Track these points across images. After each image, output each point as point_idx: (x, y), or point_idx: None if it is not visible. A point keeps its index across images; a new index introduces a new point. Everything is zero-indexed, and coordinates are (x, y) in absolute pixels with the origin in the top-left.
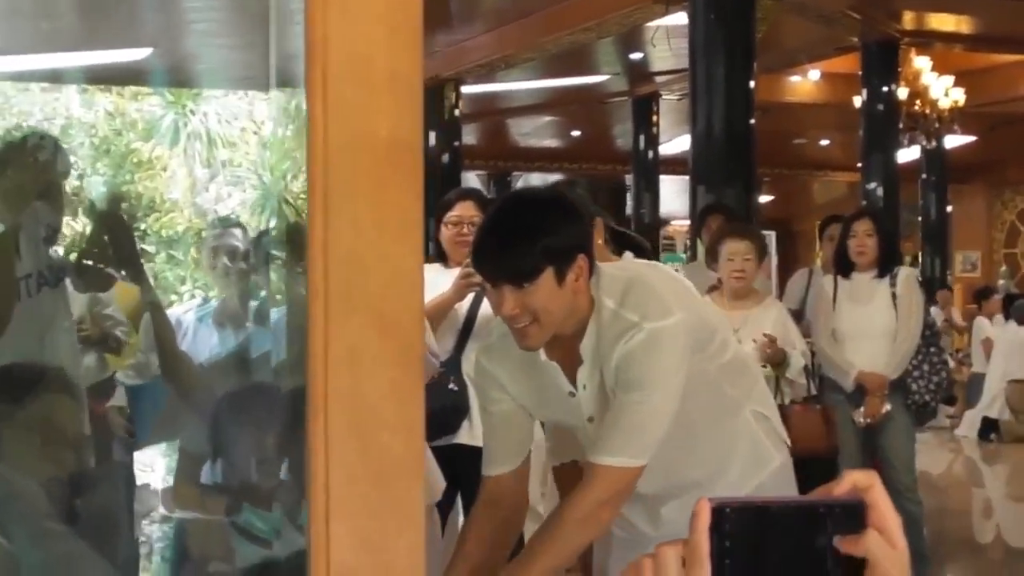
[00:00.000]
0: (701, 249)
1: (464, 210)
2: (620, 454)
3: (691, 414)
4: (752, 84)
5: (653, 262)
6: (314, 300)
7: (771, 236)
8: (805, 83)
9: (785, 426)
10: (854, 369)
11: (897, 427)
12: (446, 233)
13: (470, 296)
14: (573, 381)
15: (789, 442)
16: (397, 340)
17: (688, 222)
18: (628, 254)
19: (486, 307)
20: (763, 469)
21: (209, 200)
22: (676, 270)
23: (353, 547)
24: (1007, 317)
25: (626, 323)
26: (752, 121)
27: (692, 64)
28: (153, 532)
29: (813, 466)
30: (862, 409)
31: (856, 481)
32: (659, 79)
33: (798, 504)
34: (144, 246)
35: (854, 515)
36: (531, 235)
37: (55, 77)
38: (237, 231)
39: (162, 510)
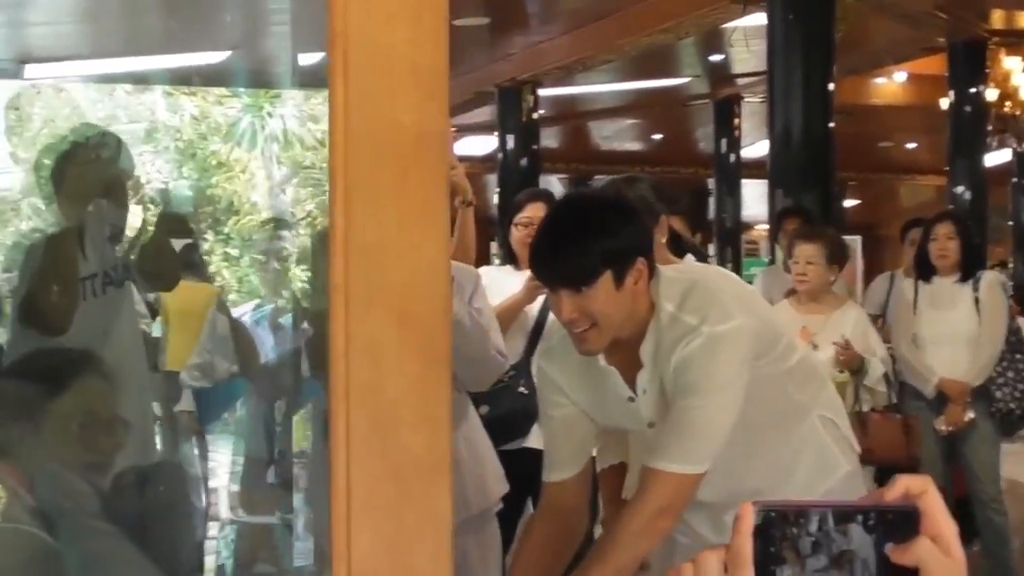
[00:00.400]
0: (780, 253)
1: (534, 211)
2: (678, 460)
3: (755, 420)
4: (831, 86)
5: (719, 267)
6: (335, 294)
7: (856, 241)
8: (890, 85)
9: (864, 435)
10: (935, 376)
11: (980, 435)
12: (516, 235)
13: (540, 298)
14: (633, 386)
15: (859, 449)
16: (419, 335)
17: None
18: (689, 256)
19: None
20: (830, 476)
21: (286, 203)
22: (757, 275)
23: (374, 549)
24: None
25: (685, 327)
26: (831, 124)
27: (770, 65)
28: (219, 535)
29: (892, 476)
30: (943, 417)
31: (909, 487)
32: (740, 81)
33: (847, 509)
34: (228, 249)
35: (907, 522)
36: (588, 237)
37: (140, 79)
38: (286, 233)
39: (227, 513)
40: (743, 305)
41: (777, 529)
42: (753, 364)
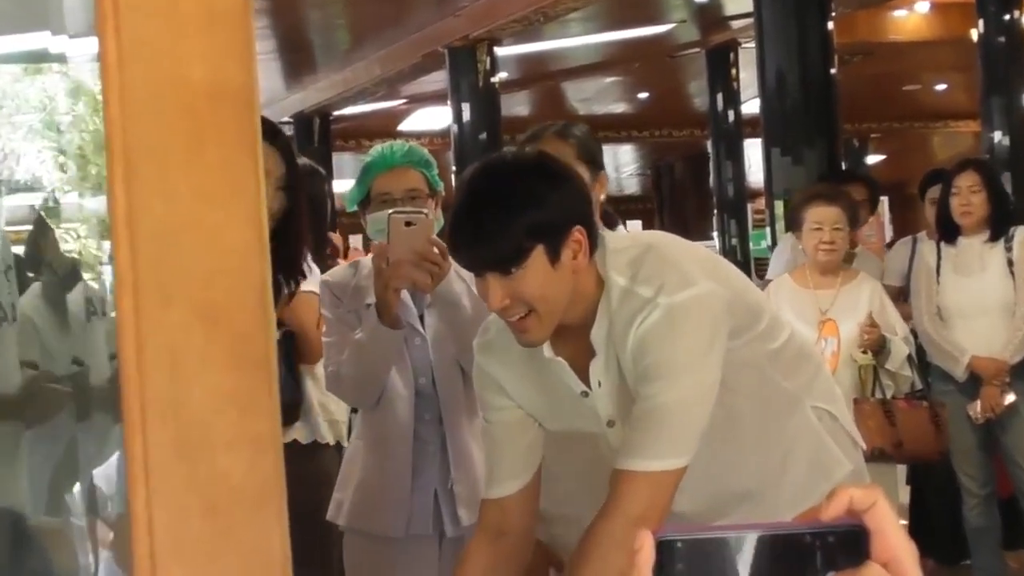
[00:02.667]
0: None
1: None
2: (651, 457)
3: (737, 412)
4: (830, 24)
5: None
6: (121, 289)
7: (883, 202)
8: (913, 17)
9: (891, 426)
10: (965, 354)
11: (1022, 420)
12: None
13: None
14: (586, 379)
15: (864, 445)
16: (230, 335)
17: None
18: (621, 229)
19: None
20: (829, 477)
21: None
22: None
23: None
24: None
25: (640, 301)
26: (833, 69)
27: (756, 5)
28: None
29: (926, 473)
30: (978, 402)
31: (854, 499)
32: (735, 24)
33: (777, 534)
34: None
35: (853, 544)
36: (511, 210)
37: None
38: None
39: None
40: (708, 271)
41: (686, 562)
42: (730, 343)
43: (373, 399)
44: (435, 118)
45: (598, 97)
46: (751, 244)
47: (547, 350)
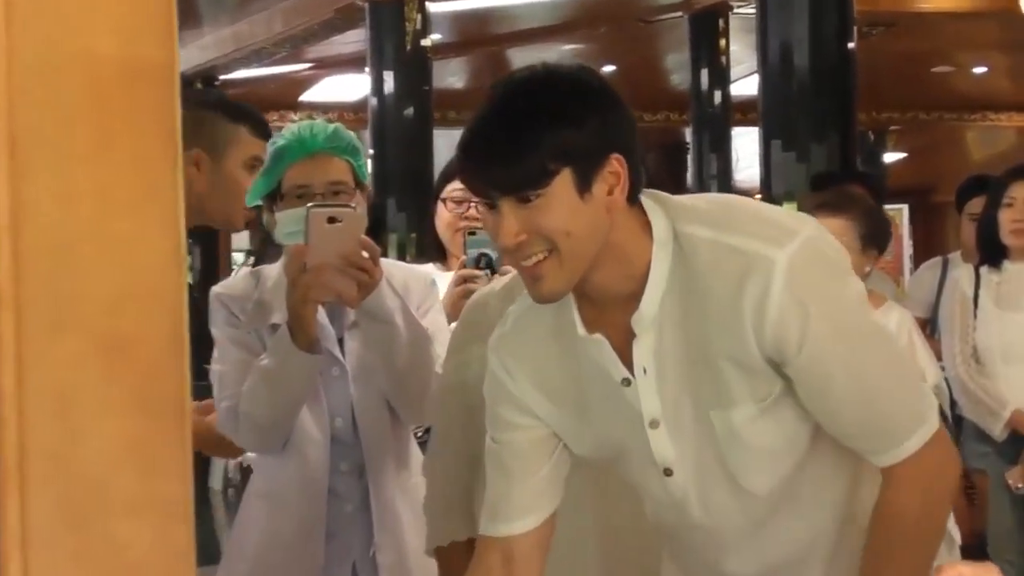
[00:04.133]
0: None
1: None
2: (900, 440)
3: (809, 464)
4: None
5: None
6: (1, 311)
7: (902, 211)
8: None
9: None
10: (1007, 407)
11: None
12: (445, 217)
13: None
14: (629, 365)
15: (958, 537)
16: (138, 373)
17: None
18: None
19: None
20: None
21: None
22: None
23: None
24: None
25: (742, 257)
26: (851, 44)
27: None
28: None
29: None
30: (1019, 468)
31: None
32: None
33: None
34: None
35: None
36: (537, 125)
37: None
38: None
39: None
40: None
41: None
42: None
43: (279, 443)
44: (348, 87)
45: None
46: None
47: (580, 327)
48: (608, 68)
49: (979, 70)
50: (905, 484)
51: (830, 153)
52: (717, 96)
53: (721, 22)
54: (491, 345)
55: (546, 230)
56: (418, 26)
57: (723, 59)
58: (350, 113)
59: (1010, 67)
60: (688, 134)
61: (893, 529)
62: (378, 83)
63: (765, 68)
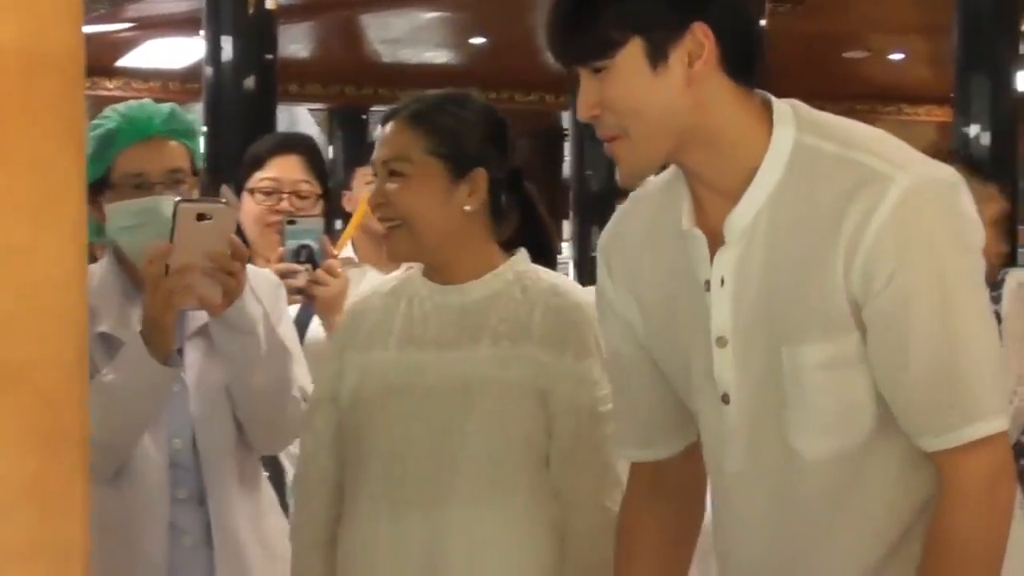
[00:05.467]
0: None
1: (283, 170)
2: (962, 423)
3: (864, 483)
4: None
5: None
6: None
7: None
8: None
9: None
10: None
11: None
12: (252, 209)
13: (291, 311)
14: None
15: None
16: (34, 404)
17: None
18: (522, 252)
19: (316, 332)
20: None
21: None
22: None
23: None
24: None
25: (861, 170)
26: (763, 22)
27: None
28: None
29: None
30: None
31: None
32: None
33: None
34: None
35: None
36: None
37: None
38: None
39: None
40: None
41: None
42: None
43: (112, 470)
44: (175, 53)
45: (411, 39)
46: None
47: (685, 218)
48: (478, 40)
49: (896, 56)
50: (957, 492)
51: None
52: None
53: None
54: (601, 246)
55: (615, 105)
56: None
57: None
58: (176, 83)
59: (930, 54)
60: (566, 119)
61: (953, 550)
62: (214, 49)
63: None
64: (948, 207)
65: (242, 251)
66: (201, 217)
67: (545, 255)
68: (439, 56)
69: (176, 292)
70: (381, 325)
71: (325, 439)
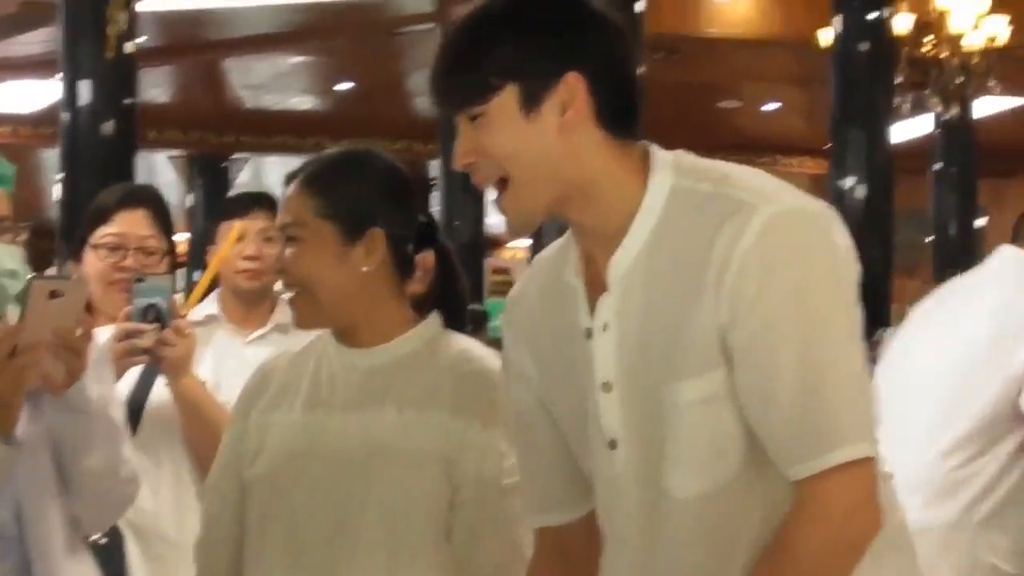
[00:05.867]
0: None
1: (129, 225)
2: (825, 450)
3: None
4: (640, 4)
5: None
6: None
7: None
8: (740, 4)
9: None
10: None
11: None
12: (95, 265)
13: (133, 373)
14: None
15: None
16: None
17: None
18: (435, 316)
19: (161, 394)
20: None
21: None
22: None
23: None
24: None
25: (730, 203)
26: (640, 70)
27: None
28: None
29: None
30: None
31: None
32: None
33: None
34: None
35: None
36: (483, 35)
37: None
38: None
39: None
40: None
41: None
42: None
43: None
44: (28, 96)
45: (275, 84)
46: (489, 318)
47: (570, 271)
48: (343, 85)
49: (770, 107)
50: (814, 509)
51: None
52: None
53: None
54: (505, 305)
55: (490, 150)
56: (123, 27)
57: None
58: (28, 127)
59: (805, 105)
60: (434, 167)
61: (784, 567)
62: (71, 93)
63: None
64: (815, 235)
65: (88, 327)
66: (53, 294)
67: (457, 312)
68: (304, 102)
69: (26, 370)
70: (288, 387)
71: (229, 501)
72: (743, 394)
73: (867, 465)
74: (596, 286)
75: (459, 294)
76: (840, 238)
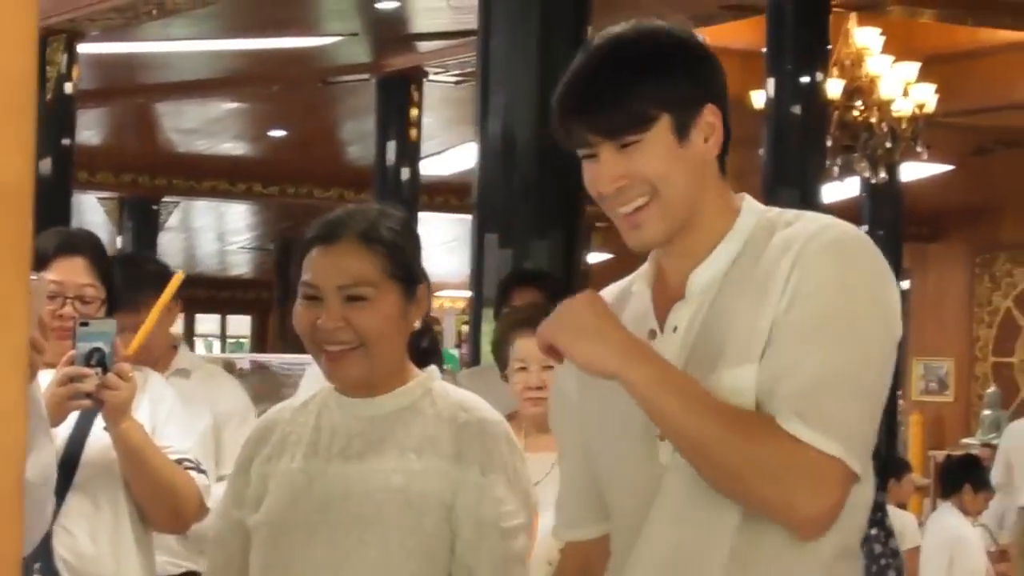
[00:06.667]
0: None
1: (67, 273)
2: (809, 421)
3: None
4: None
5: None
6: None
7: None
8: None
9: None
10: None
11: None
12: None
13: (72, 419)
14: (662, 324)
15: None
16: None
17: (468, 294)
18: (433, 368)
19: (100, 438)
20: None
21: None
22: (449, 379)
23: None
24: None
25: (802, 228)
26: None
27: (483, 22)
28: None
29: None
30: None
31: None
32: (424, 46)
33: None
34: None
35: None
36: (638, 71)
37: None
38: None
39: None
40: None
41: None
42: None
43: None
44: None
45: (209, 129)
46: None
47: (640, 283)
48: (276, 132)
49: None
50: (782, 444)
51: (553, 250)
52: (405, 173)
53: (414, 90)
54: None
55: (647, 173)
56: (63, 69)
57: (413, 132)
58: None
59: (734, 165)
60: None
61: (722, 414)
62: None
63: (484, 147)
64: (875, 258)
65: (46, 328)
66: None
67: (434, 357)
68: (236, 148)
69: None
70: (290, 437)
71: (234, 550)
72: (768, 367)
73: (839, 467)
74: (665, 296)
75: (436, 344)
76: (890, 273)
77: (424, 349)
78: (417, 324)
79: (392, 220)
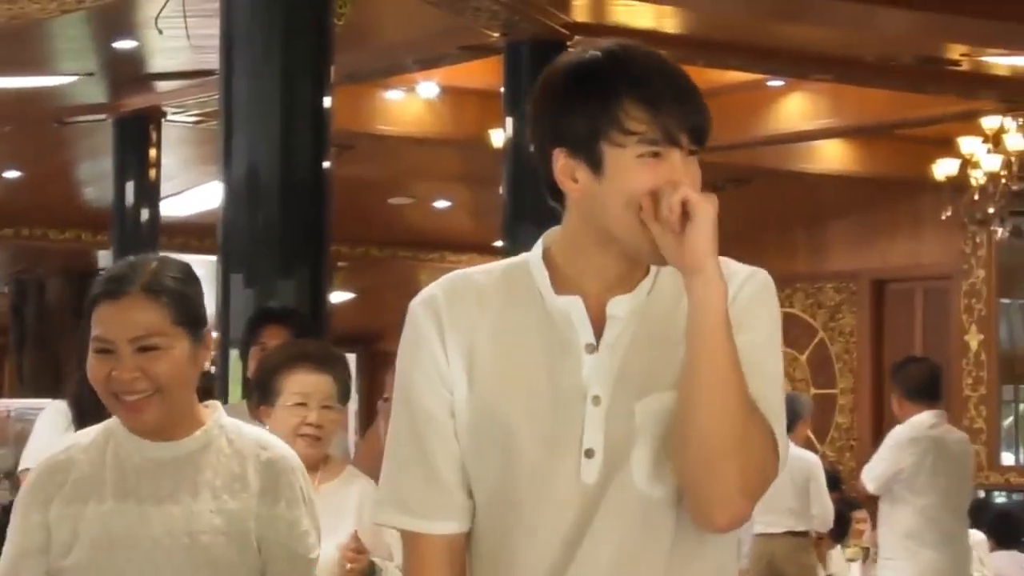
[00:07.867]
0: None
1: None
2: (777, 431)
3: None
4: (327, 101)
5: None
6: None
7: (350, 360)
8: (413, 102)
9: None
10: None
11: None
12: None
13: None
14: (597, 337)
15: None
16: None
17: (215, 335)
18: (217, 404)
19: None
20: None
21: None
22: None
23: None
24: None
25: (732, 266)
26: (327, 164)
27: (225, 63)
28: None
29: None
30: None
31: None
32: (164, 86)
33: None
34: None
35: None
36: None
37: None
38: None
39: None
40: None
41: None
42: None
43: None
44: None
45: None
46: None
47: (548, 290)
48: (12, 174)
49: (440, 204)
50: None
51: (300, 289)
52: (144, 214)
53: (152, 130)
54: (422, 302)
55: (698, 182)
56: None
57: (152, 172)
58: None
59: (474, 203)
60: (105, 258)
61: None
62: None
63: (228, 189)
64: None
65: None
66: None
67: (209, 396)
68: None
69: None
70: (91, 478)
71: None
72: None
73: (775, 473)
74: (594, 307)
75: (209, 378)
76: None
77: (201, 388)
78: (206, 365)
79: (173, 269)
